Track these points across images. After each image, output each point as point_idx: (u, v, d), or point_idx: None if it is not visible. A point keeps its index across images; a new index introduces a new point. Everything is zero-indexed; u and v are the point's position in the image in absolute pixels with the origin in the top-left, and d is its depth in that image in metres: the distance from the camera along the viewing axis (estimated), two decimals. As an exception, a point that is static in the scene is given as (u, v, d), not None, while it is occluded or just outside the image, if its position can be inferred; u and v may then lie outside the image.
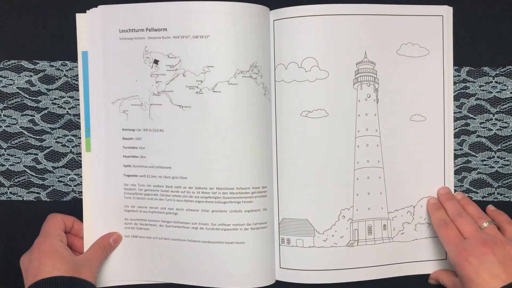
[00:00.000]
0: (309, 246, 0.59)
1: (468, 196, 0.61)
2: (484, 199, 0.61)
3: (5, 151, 0.62)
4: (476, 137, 0.61)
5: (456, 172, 0.61)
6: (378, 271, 0.59)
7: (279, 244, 0.59)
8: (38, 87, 0.61)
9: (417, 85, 0.59)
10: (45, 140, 0.62)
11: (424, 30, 0.59)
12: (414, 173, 0.60)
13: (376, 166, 0.59)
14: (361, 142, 0.59)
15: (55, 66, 0.61)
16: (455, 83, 0.61)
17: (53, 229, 0.56)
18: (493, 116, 0.61)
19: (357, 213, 0.59)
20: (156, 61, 0.58)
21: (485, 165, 0.61)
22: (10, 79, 0.61)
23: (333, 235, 0.59)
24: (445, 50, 0.59)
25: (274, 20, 0.58)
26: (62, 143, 0.62)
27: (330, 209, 0.59)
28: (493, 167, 0.61)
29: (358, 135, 0.59)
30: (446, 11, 0.59)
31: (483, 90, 0.61)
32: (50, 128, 0.62)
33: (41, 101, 0.61)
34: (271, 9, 0.58)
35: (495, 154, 0.61)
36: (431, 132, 0.60)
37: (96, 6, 0.59)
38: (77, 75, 0.61)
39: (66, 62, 0.61)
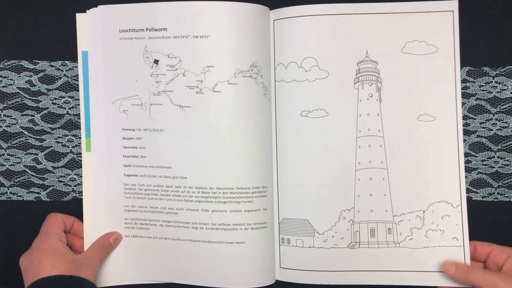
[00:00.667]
0: (309, 247, 0.58)
1: (468, 196, 0.61)
2: (484, 199, 0.61)
3: (5, 151, 0.62)
4: (476, 137, 0.61)
5: (456, 172, 0.61)
6: (382, 276, 0.57)
7: (279, 244, 0.59)
8: (38, 87, 0.61)
9: (425, 83, 0.57)
10: (45, 140, 0.62)
11: (433, 27, 0.57)
12: (423, 175, 0.57)
13: (379, 167, 0.58)
14: (363, 142, 0.58)
15: (55, 66, 0.61)
16: (455, 83, 0.61)
17: (53, 229, 0.56)
18: (493, 116, 0.61)
19: (358, 215, 0.58)
20: (156, 61, 0.58)
21: (485, 165, 0.61)
22: (10, 79, 0.61)
23: (333, 236, 0.58)
24: (456, 46, 0.57)
25: (274, 20, 0.58)
26: (62, 143, 0.62)
27: (330, 210, 0.58)
28: (493, 167, 0.61)
29: (359, 135, 0.58)
30: (456, 6, 0.57)
31: (483, 90, 0.61)
32: (50, 128, 0.62)
33: (41, 101, 0.61)
34: (271, 9, 0.58)
35: (495, 154, 0.61)
36: (442, 132, 0.57)
37: (96, 6, 0.59)
38: (77, 75, 0.61)
39: (66, 62, 0.61)
